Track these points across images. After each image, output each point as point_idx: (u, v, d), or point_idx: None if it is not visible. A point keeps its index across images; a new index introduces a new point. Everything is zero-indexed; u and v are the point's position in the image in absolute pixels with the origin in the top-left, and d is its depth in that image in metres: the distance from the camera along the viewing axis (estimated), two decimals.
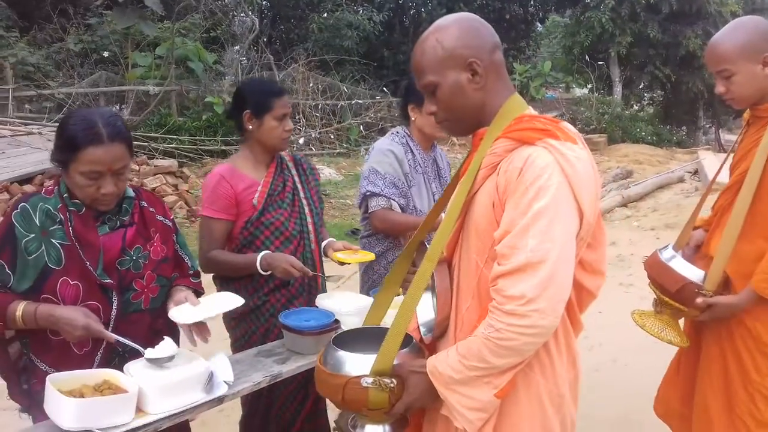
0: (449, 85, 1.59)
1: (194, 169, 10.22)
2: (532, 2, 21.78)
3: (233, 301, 2.13)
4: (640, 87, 21.14)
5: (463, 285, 1.62)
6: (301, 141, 12.09)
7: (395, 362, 1.54)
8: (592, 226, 1.53)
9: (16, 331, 1.95)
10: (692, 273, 2.38)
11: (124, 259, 2.00)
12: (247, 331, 2.57)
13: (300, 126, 12.37)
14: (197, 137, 11.14)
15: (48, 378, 1.69)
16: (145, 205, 2.12)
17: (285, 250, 2.48)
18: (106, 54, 12.87)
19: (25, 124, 9.95)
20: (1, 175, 8.16)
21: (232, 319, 2.58)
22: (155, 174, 8.68)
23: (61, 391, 1.64)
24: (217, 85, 12.50)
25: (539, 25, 23.13)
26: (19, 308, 1.84)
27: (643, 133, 16.72)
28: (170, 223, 2.19)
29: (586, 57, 19.60)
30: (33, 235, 1.90)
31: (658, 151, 15.11)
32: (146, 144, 10.10)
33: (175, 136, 10.83)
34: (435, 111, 1.65)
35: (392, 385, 1.51)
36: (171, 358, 1.83)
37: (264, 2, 19.27)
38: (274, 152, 2.58)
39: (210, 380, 1.85)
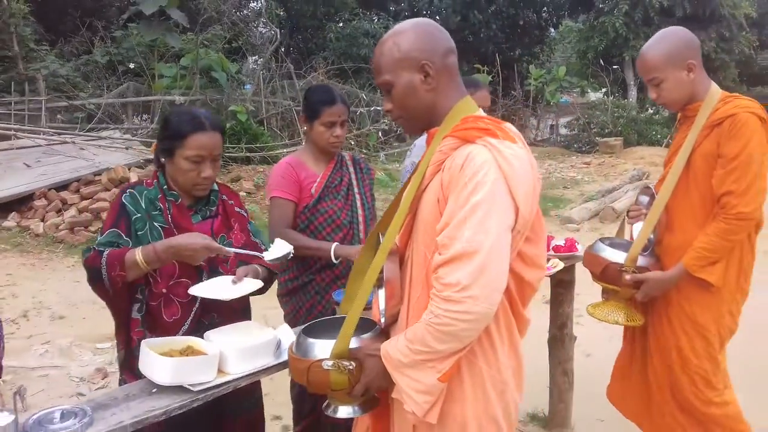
0: (403, 85, 1.69)
1: (220, 176, 10.52)
2: (545, 8, 21.96)
3: (250, 285, 2.22)
4: None
5: (415, 275, 1.70)
6: None
7: (356, 346, 1.67)
8: (528, 220, 1.61)
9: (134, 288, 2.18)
10: (613, 255, 2.62)
11: None
12: (295, 307, 2.81)
13: None
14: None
15: (143, 342, 1.95)
16: (226, 198, 2.39)
17: (335, 237, 2.72)
18: (131, 65, 13.24)
19: (59, 134, 10.32)
20: (39, 182, 8.51)
21: (283, 296, 2.84)
22: None
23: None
24: (240, 94, 12.81)
25: (553, 30, 23.30)
26: (138, 252, 2.08)
27: (659, 136, 16.81)
28: (245, 213, 2.45)
29: (601, 61, 19.73)
30: (140, 215, 2.18)
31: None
32: None
33: None
34: (390, 108, 1.75)
35: (351, 367, 1.64)
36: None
37: (282, 13, 19.66)
38: (325, 153, 2.82)
39: (278, 347, 2.09)
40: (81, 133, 10.43)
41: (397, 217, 1.69)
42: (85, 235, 7.86)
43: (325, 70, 14.30)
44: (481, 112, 1.73)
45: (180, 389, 1.87)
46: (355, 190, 2.86)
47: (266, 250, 2.43)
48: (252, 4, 17.16)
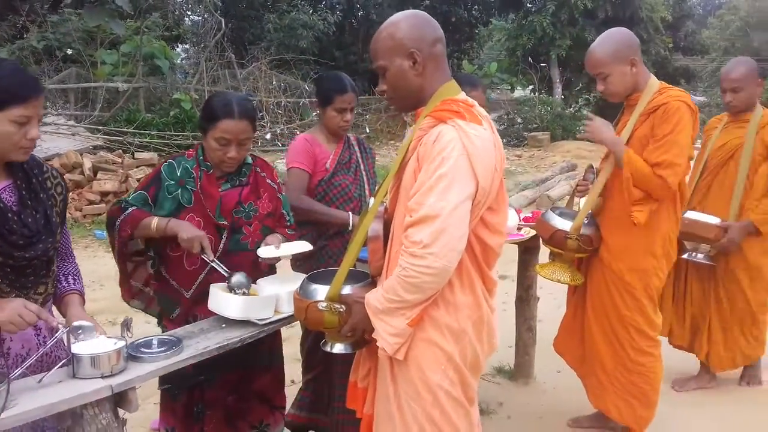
0: (395, 70, 1.93)
1: None
2: (476, 6, 22.66)
3: (303, 246, 2.64)
4: (578, 88, 22.35)
5: (396, 234, 1.93)
6: (268, 137, 12.54)
7: (347, 293, 1.96)
8: (488, 191, 1.84)
9: (148, 250, 2.55)
10: (560, 223, 3.07)
11: (239, 209, 2.57)
12: (308, 271, 3.13)
13: (264, 123, 12.82)
14: (166, 132, 11.47)
15: (212, 285, 2.30)
16: (259, 170, 2.69)
17: (347, 208, 3.06)
18: (69, 51, 13.00)
19: None
20: None
21: (297, 260, 3.16)
22: (138, 166, 9.07)
23: None
24: (184, 82, 12.82)
25: (482, 27, 24.07)
26: (155, 220, 2.42)
27: (583, 131, 17.76)
28: (275, 186, 2.75)
29: (529, 59, 20.62)
30: (174, 182, 2.50)
31: (598, 147, 16.16)
32: (121, 138, 10.42)
33: (145, 132, 11.14)
34: (385, 90, 1.99)
35: (341, 310, 1.94)
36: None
37: (218, 1, 19.58)
38: (336, 135, 3.15)
39: None
40: None
41: (384, 183, 1.99)
42: None
43: (267, 60, 14.44)
44: (462, 95, 1.95)
45: (245, 324, 2.24)
46: (362, 167, 3.21)
47: (289, 221, 2.77)
48: None
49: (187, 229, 2.38)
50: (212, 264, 2.41)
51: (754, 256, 3.59)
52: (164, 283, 2.58)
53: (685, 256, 3.62)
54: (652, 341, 3.06)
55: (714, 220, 3.51)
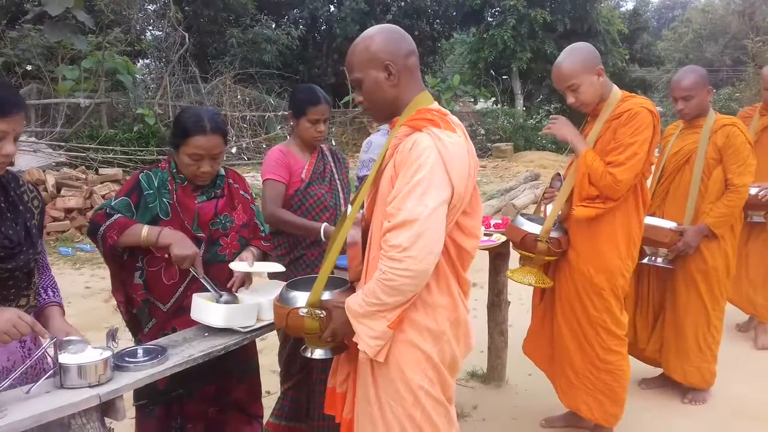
0: (370, 81, 1.98)
1: None
2: (437, 21, 22.93)
3: (275, 267, 2.70)
4: (539, 99, 22.79)
5: (374, 239, 1.97)
6: (233, 151, 12.53)
7: (327, 298, 1.99)
8: (463, 196, 1.90)
9: (134, 258, 2.50)
10: (530, 227, 3.18)
11: (216, 221, 2.60)
12: (286, 279, 3.18)
13: (230, 137, 12.80)
14: (129, 148, 11.38)
15: (194, 295, 2.33)
16: (232, 182, 2.72)
17: (323, 217, 3.11)
18: (29, 67, 12.82)
19: None
20: None
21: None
22: (102, 182, 8.98)
23: None
24: (147, 97, 12.74)
25: (445, 42, 24.38)
26: (145, 228, 2.40)
27: (544, 141, 18.14)
28: (249, 197, 2.79)
29: (491, 71, 20.95)
30: (152, 191, 2.50)
31: (560, 156, 16.45)
32: (84, 154, 10.30)
33: (108, 147, 11.04)
34: (361, 101, 2.05)
35: (322, 315, 1.96)
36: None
37: (179, 15, 19.47)
38: (310, 146, 3.21)
39: None
40: None
41: (362, 190, 2.04)
42: None
43: (232, 75, 14.42)
44: (435, 105, 2.02)
45: (228, 332, 2.27)
46: (336, 176, 3.27)
47: (263, 232, 2.81)
48: (149, 7, 16.87)
49: (180, 245, 2.37)
50: (203, 281, 2.41)
51: (712, 258, 3.70)
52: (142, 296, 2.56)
53: (645, 260, 3.71)
54: (620, 340, 3.16)
55: (669, 224, 3.62)
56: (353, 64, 2.02)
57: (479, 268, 4.08)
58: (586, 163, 3.01)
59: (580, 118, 3.29)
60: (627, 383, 3.22)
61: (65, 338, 1.94)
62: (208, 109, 2.64)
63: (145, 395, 2.49)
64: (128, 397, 2.18)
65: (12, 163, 1.98)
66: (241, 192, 2.75)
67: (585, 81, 3.05)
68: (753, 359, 4.54)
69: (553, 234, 3.12)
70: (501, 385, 4.10)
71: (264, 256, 2.77)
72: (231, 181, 2.73)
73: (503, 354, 4.06)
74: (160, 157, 11.35)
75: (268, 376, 4.06)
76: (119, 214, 2.46)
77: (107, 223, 2.43)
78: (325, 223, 3.05)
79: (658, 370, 4.07)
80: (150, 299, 2.53)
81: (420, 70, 2.08)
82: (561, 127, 3.18)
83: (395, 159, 1.92)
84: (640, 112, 2.96)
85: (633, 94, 3.16)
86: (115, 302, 2.70)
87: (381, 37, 2.00)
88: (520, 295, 5.03)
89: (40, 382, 1.83)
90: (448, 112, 2.02)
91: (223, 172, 2.71)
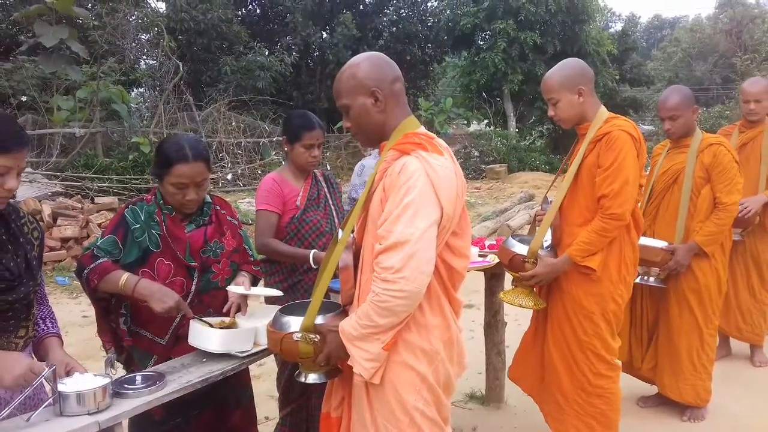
0: (357, 107, 2.03)
1: None
2: (429, 45, 23.18)
3: (272, 291, 2.76)
4: (531, 120, 22.95)
5: (366, 263, 2.00)
6: (229, 177, 12.57)
7: (321, 323, 2.01)
8: (452, 217, 1.93)
9: (119, 304, 2.51)
10: (519, 248, 3.17)
11: (206, 249, 2.61)
12: (282, 304, 3.20)
13: (225, 163, 12.87)
14: (125, 176, 11.42)
15: (192, 321, 2.34)
16: (219, 208, 2.73)
17: (320, 243, 3.13)
18: (24, 98, 12.89)
19: None
20: None
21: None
22: (98, 211, 8.99)
23: None
24: (142, 125, 12.81)
25: (437, 65, 24.62)
26: (124, 277, 2.38)
27: (538, 162, 18.26)
28: (236, 222, 2.80)
29: (483, 94, 21.13)
30: (139, 226, 2.49)
31: (553, 177, 16.60)
32: (80, 184, 10.33)
33: (104, 176, 11.07)
34: (349, 126, 2.10)
35: (316, 339, 1.98)
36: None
37: (173, 44, 19.65)
38: (304, 171, 3.23)
39: None
40: None
41: (352, 214, 2.07)
42: None
43: (226, 102, 14.53)
44: (422, 129, 2.06)
45: (225, 357, 2.29)
46: (330, 202, 3.30)
47: (252, 256, 2.82)
48: (143, 36, 17.04)
49: (157, 299, 2.33)
50: (195, 321, 2.38)
51: (703, 276, 3.71)
52: (137, 337, 2.54)
53: (637, 280, 3.69)
54: (610, 365, 3.11)
55: (660, 243, 3.64)
56: (341, 91, 2.06)
57: (475, 289, 4.10)
58: (579, 249, 2.98)
59: (571, 136, 3.31)
60: (619, 405, 3.17)
61: (75, 375, 1.96)
62: (189, 137, 2.62)
63: (144, 428, 2.48)
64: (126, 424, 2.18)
65: (14, 196, 2.00)
66: (228, 218, 2.75)
67: (564, 98, 3.05)
68: (751, 376, 4.55)
69: (542, 254, 3.09)
70: (500, 407, 4.09)
71: (255, 281, 2.78)
72: (218, 207, 2.73)
73: (501, 375, 4.06)
74: (155, 184, 11.36)
75: (267, 402, 4.06)
76: (105, 257, 2.43)
77: (91, 266, 2.41)
78: (314, 250, 3.07)
79: (656, 388, 4.06)
80: (146, 336, 2.52)
81: (413, 93, 2.15)
82: (544, 275, 3.10)
83: (384, 182, 1.95)
84: (620, 137, 2.93)
85: (617, 115, 3.12)
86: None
87: (367, 64, 2.04)
88: (517, 315, 5.04)
89: (39, 410, 1.84)
90: (435, 135, 2.05)
91: (209, 198, 2.70)
